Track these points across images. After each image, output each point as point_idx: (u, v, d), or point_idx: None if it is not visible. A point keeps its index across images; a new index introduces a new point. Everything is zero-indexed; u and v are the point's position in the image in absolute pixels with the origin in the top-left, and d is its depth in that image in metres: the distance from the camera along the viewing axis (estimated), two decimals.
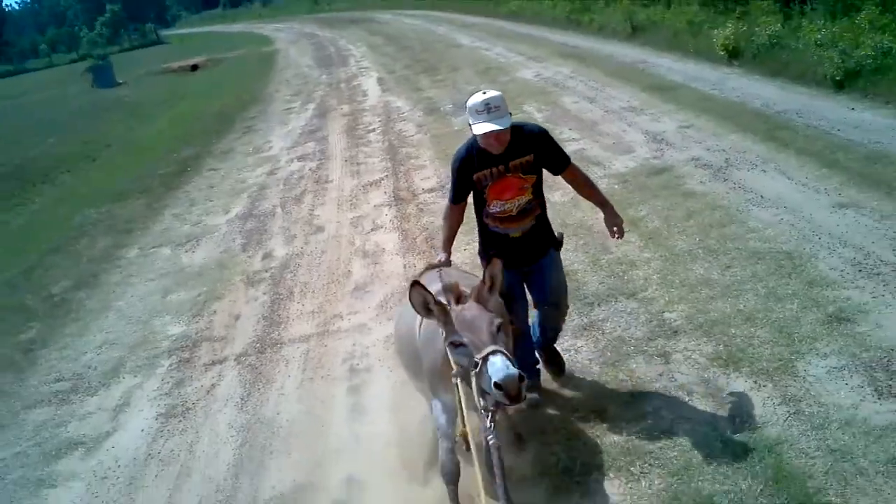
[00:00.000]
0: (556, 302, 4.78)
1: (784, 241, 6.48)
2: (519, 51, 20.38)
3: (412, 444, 4.69)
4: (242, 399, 5.88)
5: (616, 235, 4.60)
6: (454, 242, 4.71)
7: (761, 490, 3.86)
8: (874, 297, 5.40)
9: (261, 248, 9.09)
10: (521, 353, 4.57)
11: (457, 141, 11.38)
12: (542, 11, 27.34)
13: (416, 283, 3.45)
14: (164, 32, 70.44)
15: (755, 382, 4.70)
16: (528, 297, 4.80)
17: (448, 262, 4.53)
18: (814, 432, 4.15)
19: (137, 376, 6.61)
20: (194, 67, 35.69)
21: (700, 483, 4.02)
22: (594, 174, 8.31)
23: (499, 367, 3.10)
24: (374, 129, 14.26)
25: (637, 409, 4.68)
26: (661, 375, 5.01)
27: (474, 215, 4.65)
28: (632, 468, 4.22)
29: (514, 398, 3.08)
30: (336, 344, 6.42)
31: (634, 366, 5.13)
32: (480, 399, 3.27)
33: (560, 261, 4.71)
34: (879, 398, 4.37)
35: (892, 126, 9.12)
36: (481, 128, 4.11)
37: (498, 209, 4.43)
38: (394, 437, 4.96)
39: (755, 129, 9.80)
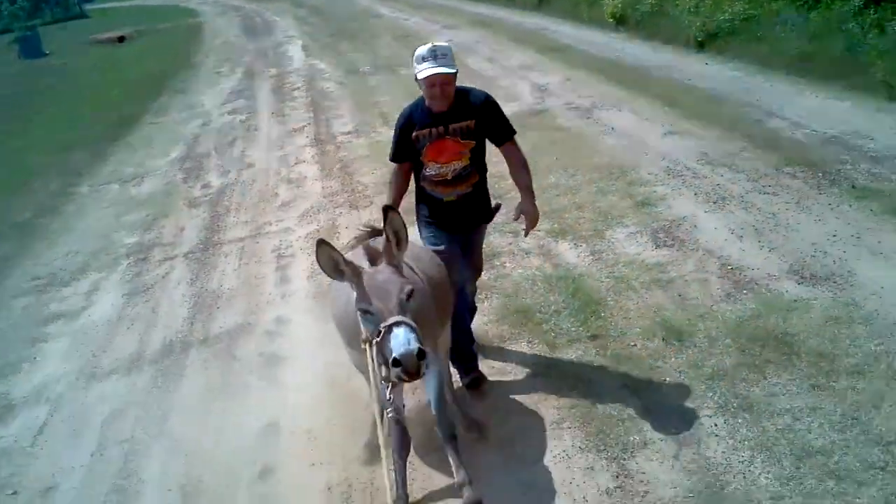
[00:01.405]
0: (478, 268, 4.96)
1: (620, 157, 8.33)
2: (435, 20, 22.05)
3: (323, 293, 6.33)
4: (192, 280, 7.45)
5: (525, 227, 4.65)
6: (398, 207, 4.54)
7: (564, 300, 5.64)
8: (672, 190, 7.27)
9: (199, 180, 10.61)
10: (460, 334, 4.63)
11: (372, 96, 13.24)
12: None
13: (322, 242, 3.28)
14: (87, 7, 69.77)
15: (575, 245, 6.49)
16: None
17: None
18: (606, 269, 5.96)
19: (102, 272, 8.08)
20: (121, 39, 36.11)
21: (523, 300, 5.80)
22: None
23: (400, 340, 2.99)
24: (298, 88, 15.81)
25: (487, 263, 6.42)
26: (510, 244, 6.77)
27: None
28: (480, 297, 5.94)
29: (412, 375, 3.01)
30: (266, 241, 8.03)
31: (491, 238, 6.86)
32: (382, 368, 3.18)
33: (485, 232, 4.91)
34: (656, 248, 6.23)
35: (733, 77, 11.07)
36: (427, 71, 4.12)
37: (433, 172, 4.41)
38: (311, 291, 6.63)
39: (622, 80, 11.67)
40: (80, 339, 6.68)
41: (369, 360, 3.26)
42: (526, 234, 4.77)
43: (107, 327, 6.80)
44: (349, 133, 11.46)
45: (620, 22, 16.38)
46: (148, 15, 46.16)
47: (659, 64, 12.48)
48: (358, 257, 3.63)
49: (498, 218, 4.91)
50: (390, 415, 3.43)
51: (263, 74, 18.23)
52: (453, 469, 3.81)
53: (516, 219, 4.59)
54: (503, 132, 4.48)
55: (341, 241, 7.14)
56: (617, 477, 3.95)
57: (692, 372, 4.64)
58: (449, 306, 4.22)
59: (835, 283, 5.36)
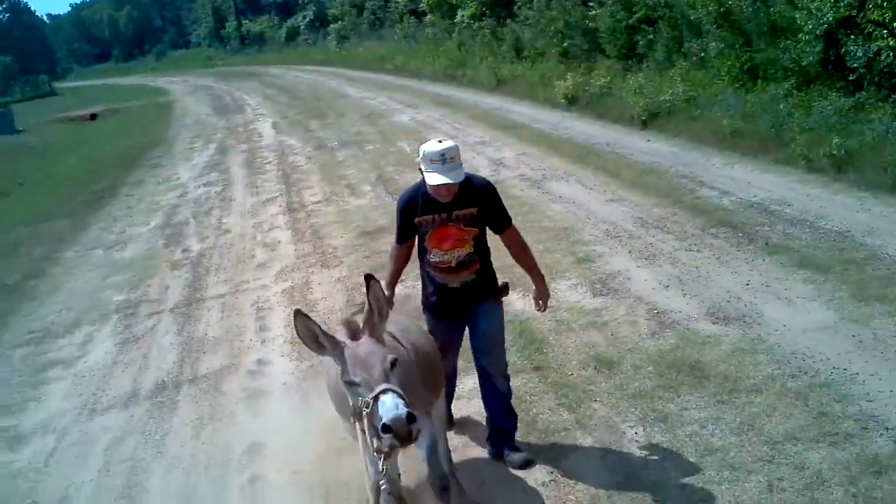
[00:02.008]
0: (489, 349, 4.76)
1: (565, 221, 9.27)
2: (399, 100, 23.20)
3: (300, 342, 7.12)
4: (178, 330, 8.20)
5: (541, 308, 4.87)
6: (397, 283, 4.82)
7: (511, 339, 6.48)
8: (610, 248, 8.21)
9: (179, 245, 11.40)
10: (491, 401, 4.88)
11: (340, 169, 14.18)
12: (422, 67, 30.34)
13: (298, 313, 3.39)
14: (57, 85, 70.90)
15: (523, 294, 7.24)
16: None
17: (391, 300, 4.50)
18: (549, 314, 6.76)
19: (94, 325, 8.79)
20: (93, 116, 37.07)
21: None
22: None
23: (388, 406, 3.03)
24: (269, 162, 16.75)
25: None
26: None
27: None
28: None
29: (404, 439, 3.04)
30: (245, 296, 8.82)
31: None
32: (374, 440, 3.20)
33: (499, 310, 4.78)
34: (593, 297, 7.12)
35: (671, 152, 12.15)
36: (434, 178, 4.16)
37: (437, 259, 4.44)
38: (288, 338, 7.40)
39: (571, 154, 12.74)
40: (78, 381, 7.38)
41: (359, 434, 3.34)
42: (543, 311, 4.91)
43: (102, 371, 7.51)
44: (319, 202, 12.35)
45: (572, 102, 17.57)
46: (118, 94, 47.27)
47: (605, 140, 13.58)
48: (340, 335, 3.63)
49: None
50: (384, 486, 3.37)
51: (235, 150, 19.18)
52: None
53: (536, 307, 4.84)
54: (503, 219, 4.55)
55: (315, 294, 8.03)
56: (551, 473, 4.75)
57: (618, 393, 5.48)
58: (440, 376, 4.33)
59: (744, 322, 6.25)
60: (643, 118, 14.58)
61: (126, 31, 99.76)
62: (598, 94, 17.10)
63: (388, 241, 8.84)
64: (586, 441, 5.02)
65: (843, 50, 11.82)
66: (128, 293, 9.64)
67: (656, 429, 5.00)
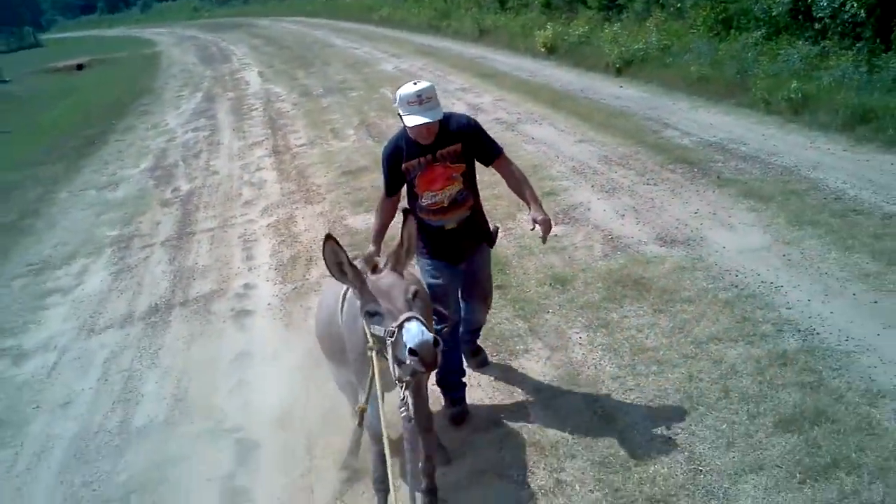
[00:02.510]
0: (485, 295, 4.90)
1: (535, 159, 9.81)
2: (383, 49, 23.59)
3: (284, 265, 7.70)
4: (170, 260, 8.74)
5: (541, 235, 4.57)
6: (384, 237, 4.62)
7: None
8: (574, 183, 8.77)
9: (169, 185, 11.91)
10: (448, 362, 4.65)
11: (325, 115, 14.68)
12: (407, 18, 30.62)
13: (329, 238, 3.35)
14: (42, 37, 70.47)
15: (491, 223, 7.90)
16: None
17: (377, 254, 4.34)
18: (514, 240, 7.35)
19: (90, 258, 9.32)
20: (80, 67, 37.17)
21: None
22: None
23: (414, 332, 3.05)
24: (256, 108, 17.21)
25: None
26: None
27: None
28: None
29: (430, 364, 3.06)
30: (232, 230, 9.35)
31: None
32: (396, 368, 3.21)
33: (490, 256, 4.87)
34: (555, 225, 7.59)
35: (641, 97, 12.67)
36: (413, 119, 4.13)
37: (429, 201, 4.43)
38: (272, 265, 7.98)
39: (546, 100, 13.25)
40: (76, 306, 7.93)
41: (373, 369, 3.35)
42: (544, 241, 4.67)
43: (99, 297, 8.06)
44: (304, 145, 12.86)
45: (551, 51, 18.02)
46: (104, 45, 47.20)
47: (580, 87, 14.08)
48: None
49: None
50: (404, 415, 3.32)
51: (222, 97, 19.59)
52: (421, 457, 3.93)
53: (532, 229, 4.55)
54: (490, 151, 4.50)
55: (299, 227, 8.59)
56: (503, 371, 5.36)
57: (569, 305, 6.08)
58: (430, 321, 4.23)
59: (688, 245, 6.85)
60: (618, 66, 15.07)
61: None
62: (576, 44, 17.56)
63: (369, 179, 9.57)
64: (537, 345, 5.62)
65: (810, 0, 12.27)
66: (121, 229, 10.15)
67: (598, 334, 5.60)
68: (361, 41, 26.85)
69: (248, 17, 50.19)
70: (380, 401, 3.46)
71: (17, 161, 15.84)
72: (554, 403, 4.93)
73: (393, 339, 3.14)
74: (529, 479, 4.28)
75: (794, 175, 8.16)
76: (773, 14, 13.20)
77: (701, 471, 4.09)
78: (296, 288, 7.33)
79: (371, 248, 4.42)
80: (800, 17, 12.74)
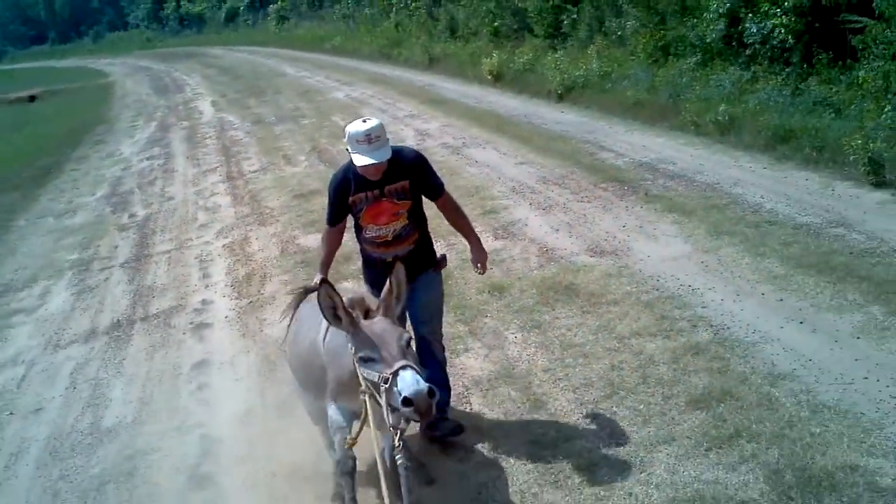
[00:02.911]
0: (428, 318, 4.82)
1: (478, 181, 10.39)
2: (335, 78, 24.16)
3: (238, 282, 8.15)
4: (129, 280, 9.12)
5: (479, 270, 4.85)
6: (331, 266, 4.80)
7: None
8: (513, 202, 9.35)
9: (126, 211, 12.28)
10: (429, 370, 4.66)
11: (277, 142, 15.15)
12: (360, 47, 31.27)
13: (324, 282, 3.47)
14: None
15: (435, 240, 8.43)
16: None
17: (326, 282, 4.08)
18: (457, 255, 7.85)
19: (51, 280, 9.65)
20: (32, 98, 36.99)
21: None
22: None
23: (409, 381, 3.08)
24: (209, 136, 17.63)
25: None
26: None
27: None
28: None
29: (424, 413, 3.08)
30: (189, 251, 9.77)
31: None
32: (390, 416, 3.23)
33: (438, 282, 4.84)
34: (495, 240, 8.23)
35: (580, 121, 13.35)
36: (361, 160, 4.18)
37: (373, 234, 4.50)
38: (228, 282, 8.42)
39: (491, 125, 13.88)
40: (41, 324, 8.28)
41: (370, 410, 3.39)
42: (482, 273, 4.92)
43: (62, 315, 8.42)
44: (257, 171, 13.33)
45: (497, 78, 18.70)
46: (56, 76, 47.05)
47: (523, 112, 14.74)
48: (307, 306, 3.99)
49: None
50: (400, 462, 3.32)
51: (176, 126, 19.98)
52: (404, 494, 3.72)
53: (475, 269, 4.86)
54: (435, 188, 4.63)
55: (253, 247, 9.04)
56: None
57: (506, 309, 6.62)
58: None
59: (616, 255, 7.43)
60: (559, 92, 15.76)
61: (63, 12, 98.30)
62: (521, 71, 18.26)
63: (320, 201, 10.00)
64: (476, 345, 6.14)
65: (741, 27, 13.05)
66: (80, 252, 10.51)
67: (532, 333, 6.14)
68: (314, 70, 27.39)
69: (202, 47, 50.43)
70: (360, 426, 3.64)
71: None
72: (491, 393, 5.44)
73: (387, 387, 3.17)
74: (471, 457, 4.77)
75: (716, 191, 8.80)
76: (708, 41, 13.92)
77: (620, 444, 4.62)
78: (251, 302, 7.77)
79: (317, 277, 4.45)
80: (733, 43, 13.46)
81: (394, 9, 31.47)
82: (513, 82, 18.06)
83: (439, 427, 4.83)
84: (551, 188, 9.70)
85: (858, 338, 5.42)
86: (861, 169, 8.48)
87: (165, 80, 32.72)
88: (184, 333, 7.36)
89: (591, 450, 4.62)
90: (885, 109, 9.25)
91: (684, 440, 4.55)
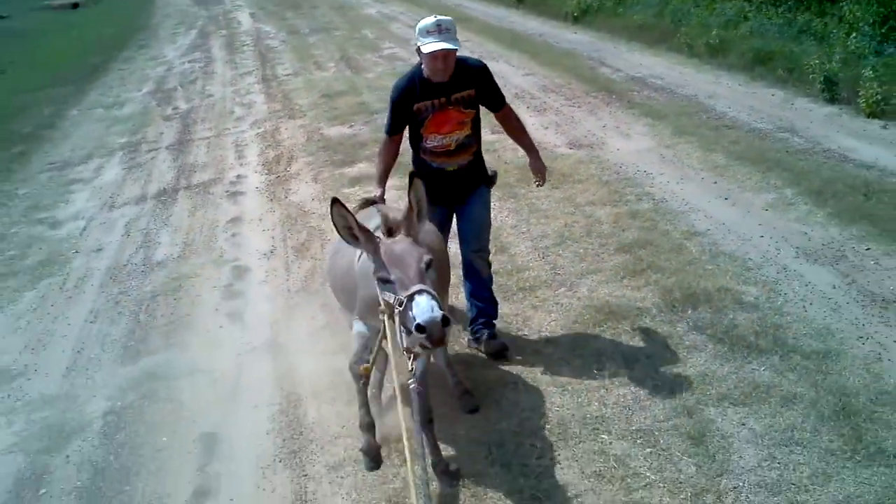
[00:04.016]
0: (479, 234, 4.79)
1: None
2: None
3: (269, 162, 9.48)
4: (174, 158, 10.47)
5: (538, 182, 4.85)
6: (388, 179, 4.60)
7: None
8: (514, 106, 10.49)
9: (170, 105, 13.59)
10: (475, 287, 4.88)
11: (310, 50, 16.37)
12: None
13: (335, 201, 3.28)
14: None
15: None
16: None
17: (382, 197, 4.40)
18: None
19: (104, 158, 11.03)
20: (75, 5, 37.96)
21: None
22: (400, 66, 13.30)
23: (423, 307, 3.00)
24: (247, 44, 18.83)
25: None
26: None
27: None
28: None
29: (437, 342, 3.01)
30: (226, 138, 11.09)
31: None
32: (404, 339, 3.16)
33: (489, 199, 4.84)
34: (491, 134, 9.46)
35: (589, 41, 14.43)
36: (432, 46, 4.06)
37: (436, 143, 4.41)
38: (260, 161, 9.74)
39: (507, 41, 15.00)
40: (97, 191, 9.65)
41: (387, 331, 3.31)
42: (540, 186, 4.97)
43: (115, 184, 9.78)
44: (289, 75, 14.59)
45: (521, 1, 19.69)
46: None
47: (540, 32, 15.82)
48: (364, 219, 3.58)
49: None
50: (413, 386, 3.24)
51: (216, 34, 21.16)
52: (428, 453, 3.81)
53: (535, 180, 4.91)
54: (499, 98, 4.59)
55: (283, 135, 10.33)
56: None
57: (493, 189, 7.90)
58: (449, 275, 4.44)
59: (591, 147, 8.65)
60: (575, 15, 16.78)
61: None
62: None
63: (344, 100, 11.33)
64: None
65: None
66: (129, 136, 11.86)
67: (508, 202, 7.42)
68: None
69: None
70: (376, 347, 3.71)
71: (27, 85, 17.35)
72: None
73: (402, 310, 3.09)
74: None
75: (691, 101, 9.97)
76: None
77: (559, 274, 5.93)
78: (279, 177, 9.09)
79: (377, 190, 4.43)
80: None
81: None
82: (535, 5, 19.05)
83: (486, 344, 4.90)
84: (549, 95, 10.88)
85: (766, 210, 6.65)
86: (818, 87, 9.55)
87: None
88: (221, 198, 8.69)
89: (536, 277, 5.93)
90: (852, 36, 10.28)
91: (607, 272, 5.85)
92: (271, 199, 8.38)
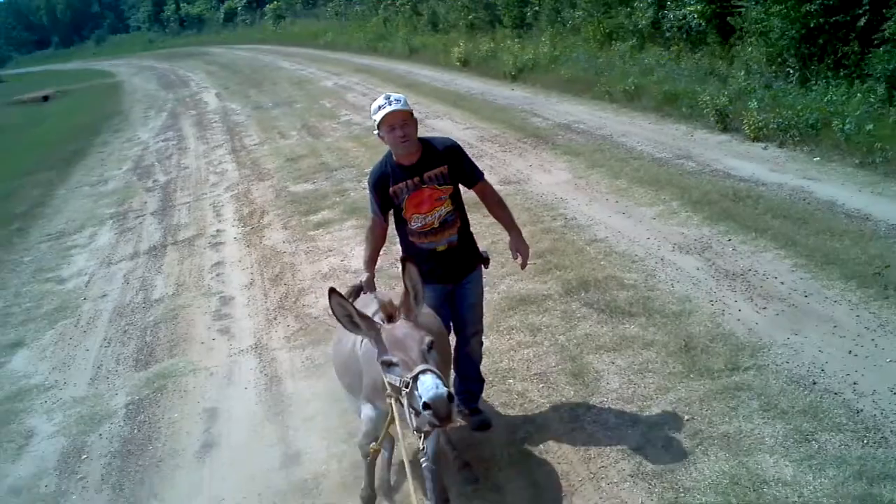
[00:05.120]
0: (476, 319, 4.86)
1: None
2: (326, 69, 26.99)
3: (244, 217, 10.95)
4: (160, 221, 11.87)
5: (519, 262, 4.77)
6: (376, 263, 4.69)
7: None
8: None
9: (150, 178, 15.04)
10: (464, 367, 4.88)
11: (274, 122, 17.99)
12: (350, 41, 34.08)
13: (333, 291, 3.35)
14: (0, 73, 72.73)
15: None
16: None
17: (371, 282, 4.50)
18: None
19: (96, 227, 12.39)
20: (45, 98, 39.49)
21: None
22: (356, 130, 14.91)
23: (428, 385, 3.06)
24: (215, 121, 20.44)
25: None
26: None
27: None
28: None
29: (444, 418, 3.06)
30: (204, 201, 12.52)
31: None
32: (413, 419, 3.22)
33: (481, 279, 4.84)
34: None
35: (524, 96, 16.13)
36: (382, 112, 4.11)
37: (420, 223, 4.42)
38: (236, 217, 11.21)
39: (450, 101, 16.65)
40: (94, 252, 11.01)
41: (395, 414, 3.34)
42: (523, 268, 4.94)
43: (110, 246, 11.15)
44: (256, 144, 16.15)
45: (464, 64, 21.55)
46: (64, 78, 49.61)
47: (481, 91, 17.53)
48: (362, 306, 3.67)
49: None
50: (425, 464, 3.36)
51: (185, 115, 22.77)
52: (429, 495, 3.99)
53: (515, 258, 4.82)
54: (473, 174, 4.58)
55: (254, 195, 11.81)
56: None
57: None
58: (450, 354, 4.49)
59: (518, 183, 10.17)
60: (513, 74, 18.56)
61: (64, 17, 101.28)
62: (484, 57, 21.08)
63: (307, 162, 12.89)
64: None
65: (660, 15, 15.81)
66: (116, 207, 13.26)
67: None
68: (307, 63, 30.25)
69: (202, 47, 53.44)
70: (386, 427, 3.72)
71: (11, 173, 18.68)
72: None
73: (408, 391, 3.15)
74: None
75: (606, 140, 11.58)
76: (640, 27, 16.69)
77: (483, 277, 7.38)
78: (253, 227, 10.52)
79: (364, 275, 4.53)
80: (660, 28, 16.20)
81: (382, 5, 34.29)
82: (477, 67, 20.89)
83: (470, 421, 5.01)
84: (486, 143, 12.47)
85: (654, 219, 8.18)
86: (712, 119, 11.21)
87: (171, 77, 35.54)
88: (205, 248, 10.08)
89: None
90: (741, 73, 12.02)
91: (522, 274, 7.23)
92: (248, 245, 9.79)
